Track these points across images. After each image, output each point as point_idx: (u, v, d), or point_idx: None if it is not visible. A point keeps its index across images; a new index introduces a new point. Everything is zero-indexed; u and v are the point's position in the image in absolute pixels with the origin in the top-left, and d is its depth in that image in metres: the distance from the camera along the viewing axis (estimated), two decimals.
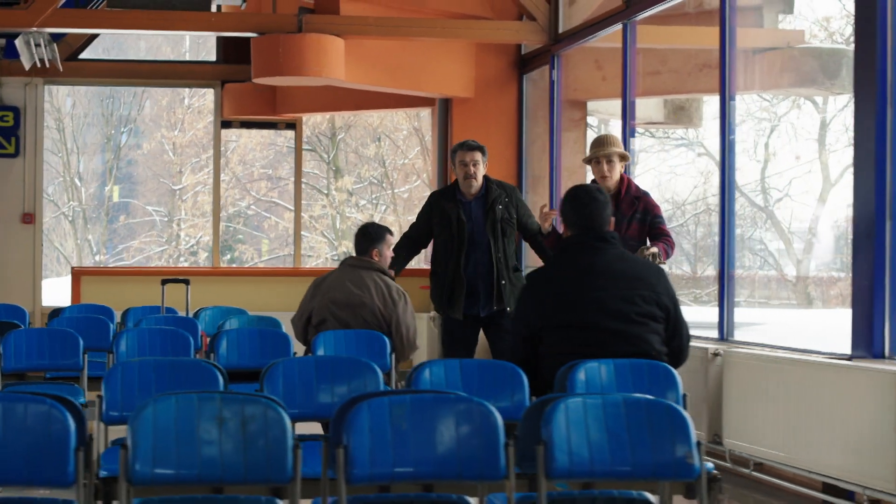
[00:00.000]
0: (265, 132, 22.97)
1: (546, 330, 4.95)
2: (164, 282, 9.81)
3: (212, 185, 14.03)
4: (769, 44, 10.33)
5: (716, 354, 7.36)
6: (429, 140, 17.79)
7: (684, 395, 4.85)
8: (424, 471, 3.70)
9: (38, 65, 11.43)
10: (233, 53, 12.86)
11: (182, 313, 9.60)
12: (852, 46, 6.56)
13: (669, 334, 5.05)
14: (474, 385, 4.89)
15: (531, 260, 10.11)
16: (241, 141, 25.06)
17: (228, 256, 25.54)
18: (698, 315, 12.00)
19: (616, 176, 6.89)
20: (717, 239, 8.09)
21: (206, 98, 24.47)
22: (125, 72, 13.61)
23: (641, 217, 6.77)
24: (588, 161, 6.94)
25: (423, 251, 8.19)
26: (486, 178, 7.52)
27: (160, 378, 4.91)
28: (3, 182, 12.44)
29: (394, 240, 7.12)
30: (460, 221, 7.43)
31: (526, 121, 11.70)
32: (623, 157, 6.90)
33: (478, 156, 7.47)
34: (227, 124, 13.36)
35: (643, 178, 16.04)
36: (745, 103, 15.83)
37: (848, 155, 13.03)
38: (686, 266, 20.30)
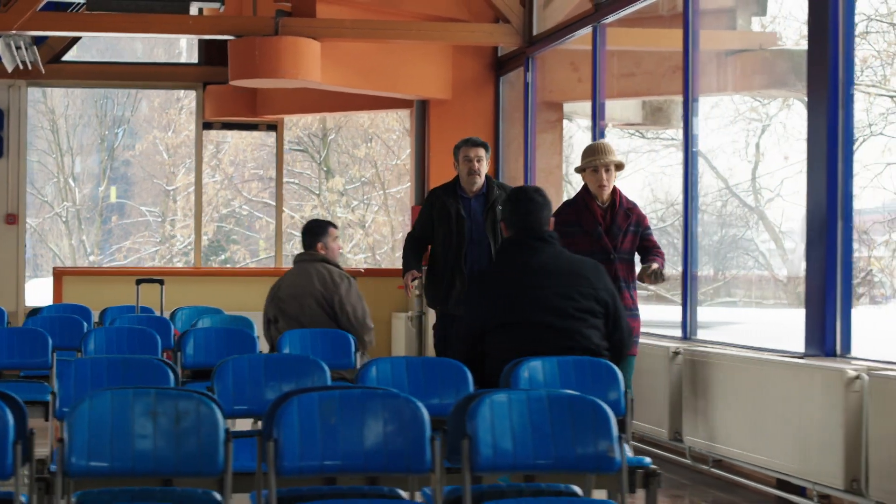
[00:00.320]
0: (256, 133, 23.06)
1: (488, 328, 5.06)
2: (138, 282, 9.92)
3: (196, 186, 14.14)
4: (741, 46, 10.42)
5: (676, 353, 7.45)
6: None
7: (626, 392, 4.95)
8: (353, 464, 3.81)
9: (21, 67, 11.55)
10: (215, 56, 12.97)
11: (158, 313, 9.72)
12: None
13: (610, 329, 5.15)
14: (420, 382, 4.99)
15: None
16: (232, 141, 25.16)
17: (222, 257, 25.62)
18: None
19: (612, 186, 6.58)
20: (681, 240, 8.19)
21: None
22: (109, 74, 13.74)
23: (635, 229, 6.57)
24: (582, 170, 6.61)
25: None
26: (487, 177, 7.53)
27: (113, 375, 5.02)
28: None
29: (337, 232, 7.34)
30: (460, 217, 7.43)
31: (502, 122, 11.79)
32: (619, 166, 6.58)
33: (482, 152, 7.50)
34: (208, 126, 13.50)
35: (633, 179, 16.07)
36: (735, 104, 15.89)
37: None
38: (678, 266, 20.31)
